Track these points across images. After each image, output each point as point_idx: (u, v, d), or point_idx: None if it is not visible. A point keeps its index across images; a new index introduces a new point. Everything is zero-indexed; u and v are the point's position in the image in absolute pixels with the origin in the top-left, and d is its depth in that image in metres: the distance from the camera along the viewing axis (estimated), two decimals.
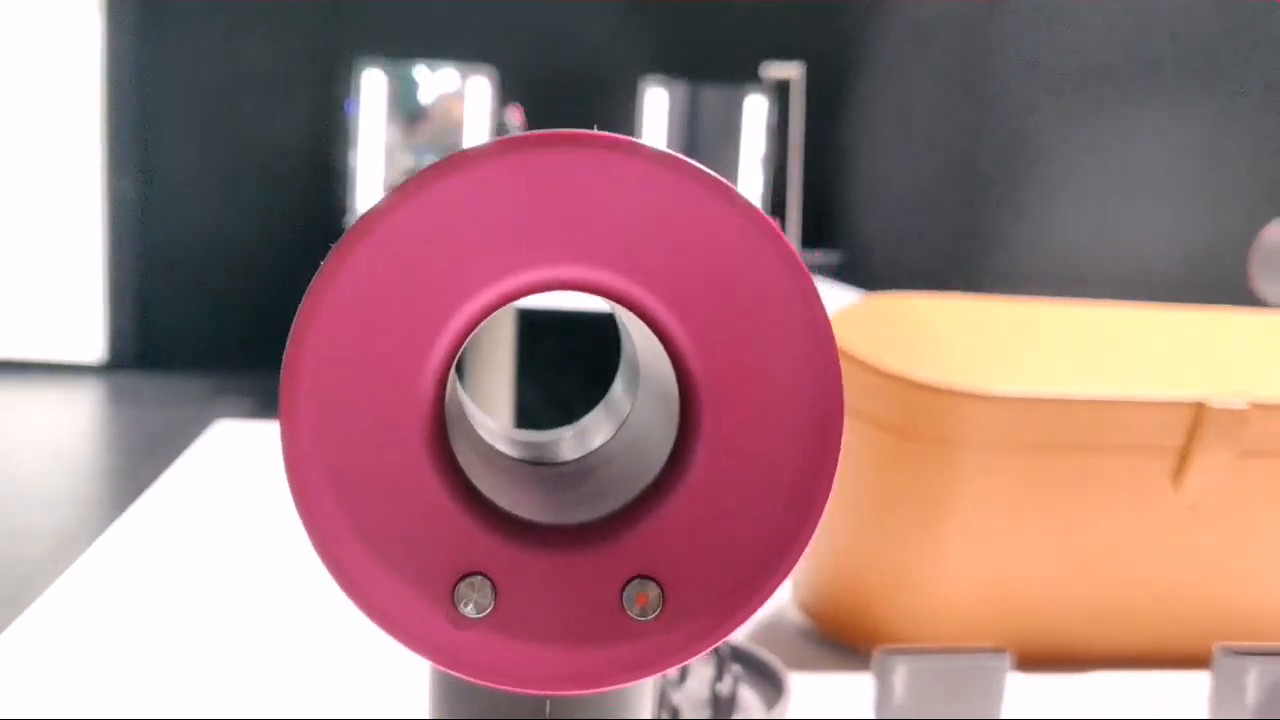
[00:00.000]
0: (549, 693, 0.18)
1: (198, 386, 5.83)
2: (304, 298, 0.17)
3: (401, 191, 0.17)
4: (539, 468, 0.22)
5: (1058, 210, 3.79)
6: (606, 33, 5.96)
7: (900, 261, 5.20)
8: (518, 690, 0.18)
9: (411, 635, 0.18)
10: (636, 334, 0.21)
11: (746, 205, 0.17)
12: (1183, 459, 0.67)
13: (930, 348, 0.70)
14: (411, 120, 5.87)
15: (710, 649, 0.19)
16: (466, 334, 0.18)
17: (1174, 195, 3.24)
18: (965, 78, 4.50)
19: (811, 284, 0.18)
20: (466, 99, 5.67)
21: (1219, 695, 0.58)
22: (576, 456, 0.22)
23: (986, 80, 4.30)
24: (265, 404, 5.56)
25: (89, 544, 0.83)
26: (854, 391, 0.68)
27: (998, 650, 0.56)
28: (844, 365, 0.65)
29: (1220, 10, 2.88)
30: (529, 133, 0.17)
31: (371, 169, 5.82)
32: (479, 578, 0.18)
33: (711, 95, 6.05)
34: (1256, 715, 0.57)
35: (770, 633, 0.74)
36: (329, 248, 0.17)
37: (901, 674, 0.55)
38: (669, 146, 0.16)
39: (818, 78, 5.21)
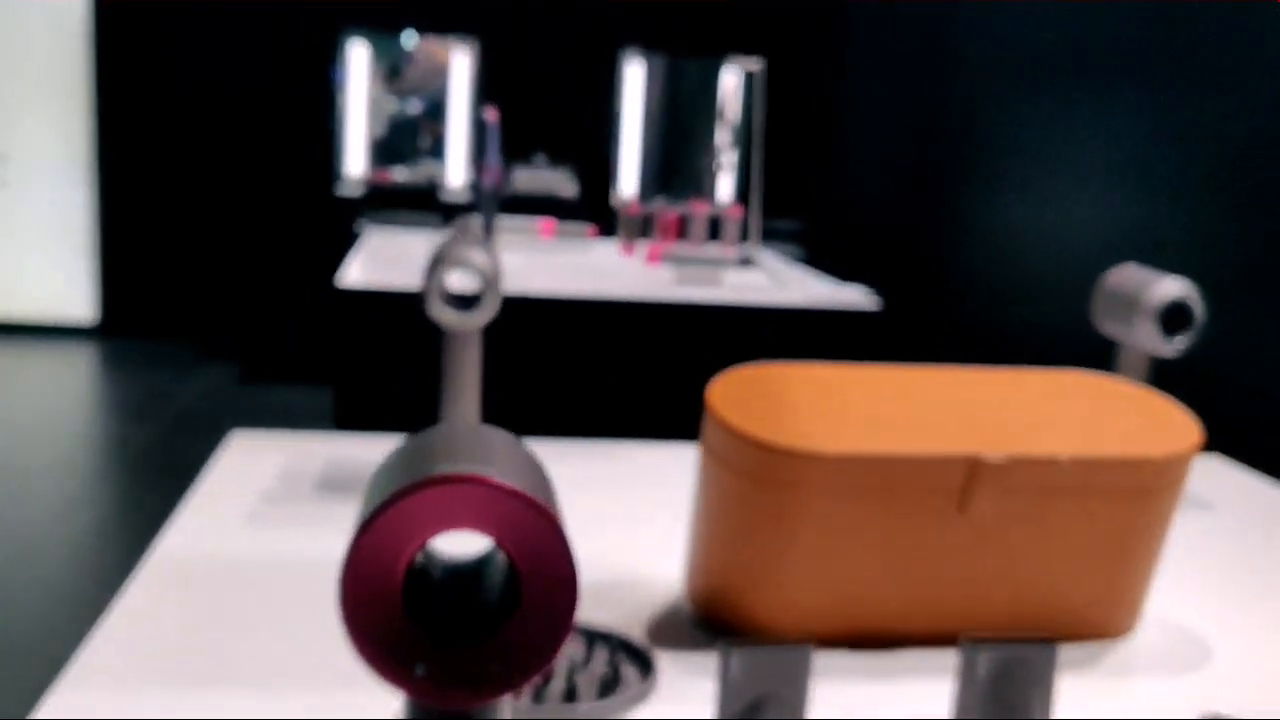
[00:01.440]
0: (460, 705, 0.42)
1: (185, 352, 6.03)
2: (349, 547, 0.41)
3: (383, 505, 0.40)
4: (454, 584, 0.46)
5: (1003, 192, 4.01)
6: (588, 4, 6.10)
7: (859, 231, 5.44)
8: (444, 706, 0.42)
9: (392, 681, 0.42)
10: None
11: (538, 504, 0.40)
12: (964, 496, 0.91)
13: (784, 410, 0.94)
14: (395, 70, 6.03)
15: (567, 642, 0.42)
16: (415, 554, 0.41)
17: (1110, 179, 3.46)
18: (926, 68, 4.69)
19: (564, 537, 0.42)
20: (449, 47, 5.79)
21: (962, 673, 0.82)
22: (468, 583, 0.46)
23: (944, 70, 4.50)
24: (250, 370, 5.77)
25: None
26: (724, 448, 0.92)
27: (804, 643, 0.80)
28: (717, 429, 0.89)
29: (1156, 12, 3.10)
30: (437, 474, 0.40)
31: (356, 131, 6.00)
32: (422, 664, 0.41)
33: (690, 68, 6.22)
34: (985, 690, 0.81)
35: (669, 620, 0.98)
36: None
37: (735, 661, 0.79)
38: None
39: (796, 59, 5.40)
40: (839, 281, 3.27)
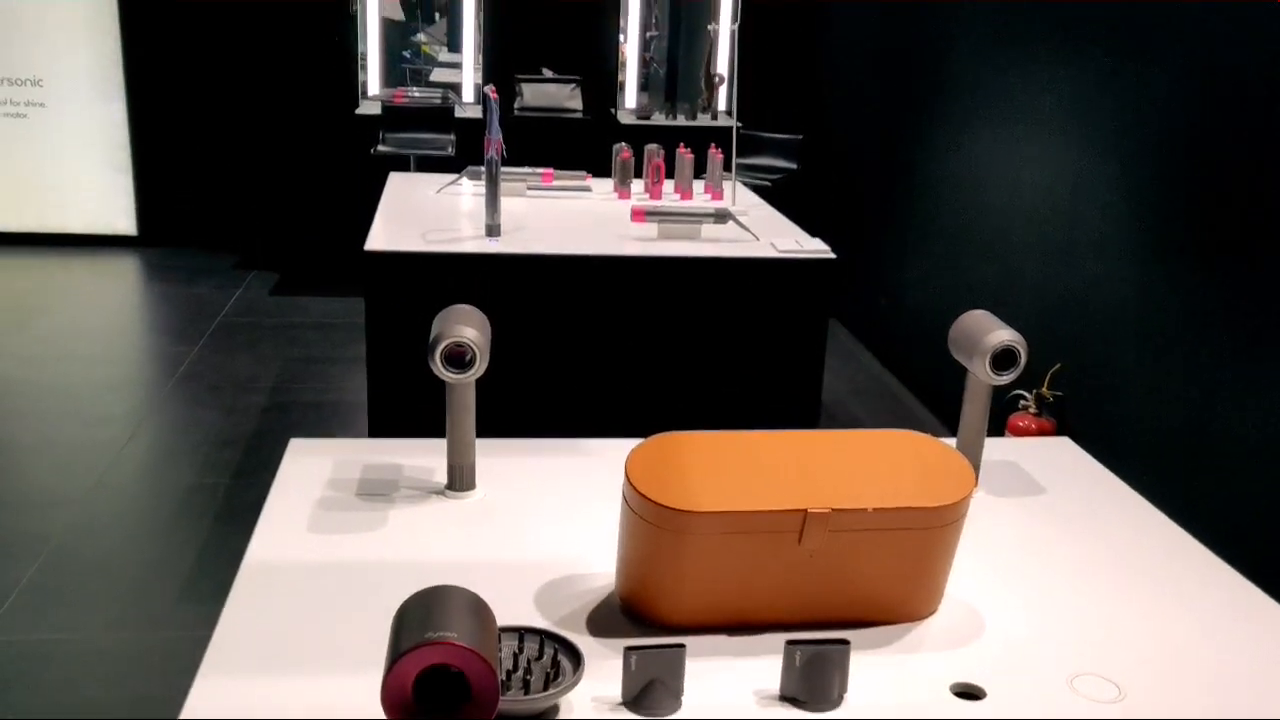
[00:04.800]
0: None
1: (221, 262, 6.44)
2: (386, 673, 0.83)
3: (398, 656, 0.82)
4: (442, 684, 0.88)
5: (963, 144, 4.33)
6: None
7: (840, 161, 5.76)
8: None
9: None
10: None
11: (478, 654, 0.82)
12: (801, 534, 1.33)
13: (677, 474, 1.35)
14: None
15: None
16: (419, 672, 0.83)
17: (1055, 134, 3.80)
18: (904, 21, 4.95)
19: (490, 668, 0.83)
20: None
21: (785, 664, 1.26)
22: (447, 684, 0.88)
23: (920, 22, 4.77)
24: (286, 280, 6.18)
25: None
26: (636, 503, 1.34)
27: (679, 644, 1.23)
28: (632, 489, 1.35)
29: None
30: (425, 640, 0.82)
31: (374, 53, 6.35)
32: None
33: None
34: (800, 674, 1.24)
35: (602, 611, 1.41)
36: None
37: (633, 658, 1.22)
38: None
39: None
40: (804, 235, 3.63)
